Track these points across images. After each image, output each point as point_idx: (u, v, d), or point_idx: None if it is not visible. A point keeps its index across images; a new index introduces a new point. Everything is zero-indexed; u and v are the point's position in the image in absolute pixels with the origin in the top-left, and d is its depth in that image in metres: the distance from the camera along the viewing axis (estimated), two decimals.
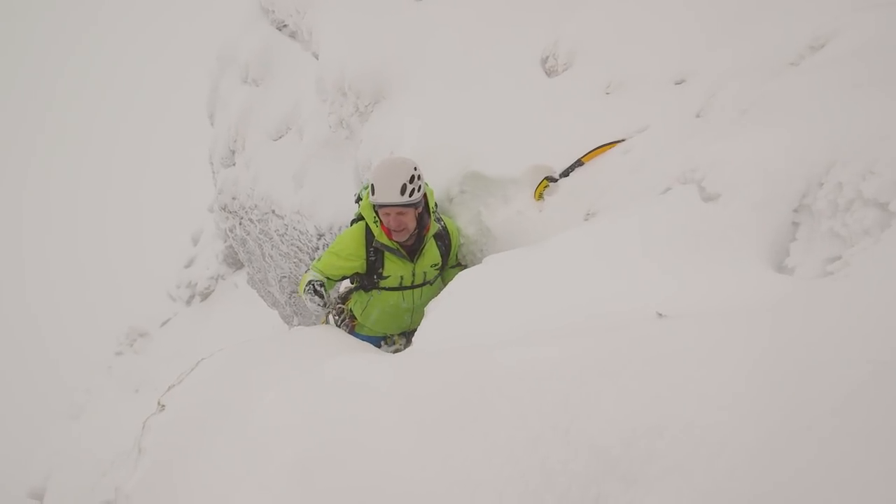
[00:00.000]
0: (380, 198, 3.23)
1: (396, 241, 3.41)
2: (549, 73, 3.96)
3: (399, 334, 3.96)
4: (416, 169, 3.26)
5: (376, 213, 3.40)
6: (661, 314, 1.63)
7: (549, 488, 1.39)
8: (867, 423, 1.12)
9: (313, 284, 3.40)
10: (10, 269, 24.05)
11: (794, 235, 1.94)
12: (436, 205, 3.64)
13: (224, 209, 7.45)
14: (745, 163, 2.13)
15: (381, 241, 3.43)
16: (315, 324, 5.80)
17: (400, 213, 3.28)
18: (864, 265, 1.54)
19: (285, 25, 6.49)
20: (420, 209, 3.38)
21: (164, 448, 2.23)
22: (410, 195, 3.22)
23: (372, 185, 3.25)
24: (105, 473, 10.61)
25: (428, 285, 3.69)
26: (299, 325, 7.82)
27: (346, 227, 3.87)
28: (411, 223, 3.36)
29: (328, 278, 3.54)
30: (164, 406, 2.51)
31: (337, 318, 3.90)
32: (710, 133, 2.60)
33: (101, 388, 15.33)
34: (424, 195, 3.38)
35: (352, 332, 3.91)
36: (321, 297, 3.37)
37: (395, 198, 3.20)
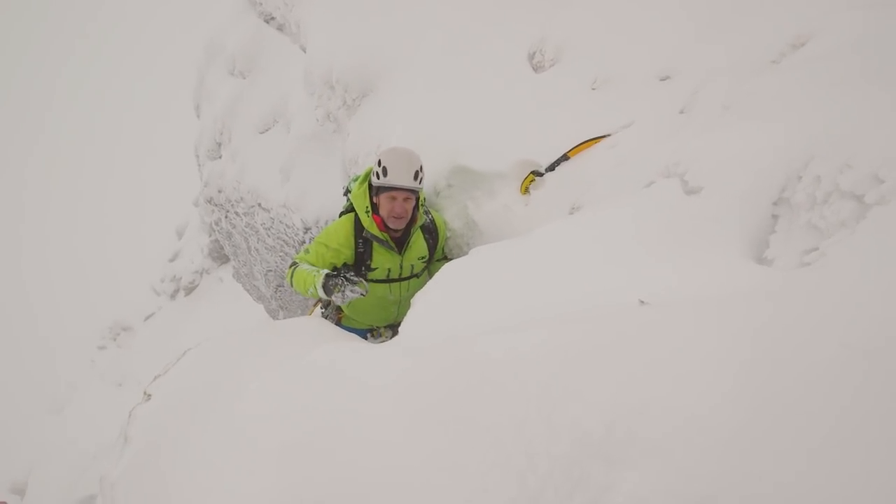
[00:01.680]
0: (394, 180, 3.29)
1: (391, 230, 3.45)
2: (536, 68, 3.99)
3: (385, 326, 3.98)
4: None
5: (371, 201, 3.42)
6: (642, 301, 1.66)
7: (533, 470, 1.42)
8: (841, 404, 1.17)
9: (343, 276, 3.23)
10: None
11: (773, 228, 1.99)
12: (424, 198, 3.67)
13: (210, 202, 7.41)
14: (727, 157, 2.18)
15: (370, 231, 3.45)
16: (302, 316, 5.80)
17: (406, 199, 3.36)
18: (840, 256, 1.58)
19: (273, 18, 6.48)
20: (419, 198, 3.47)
21: (150, 437, 2.24)
22: (421, 182, 3.37)
23: (384, 168, 3.30)
24: (88, 468, 10.54)
25: (415, 278, 3.71)
26: (285, 318, 7.80)
27: (334, 220, 3.88)
28: (411, 211, 3.44)
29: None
30: (150, 395, 2.51)
31: (324, 309, 3.91)
32: (693, 128, 2.65)
33: (83, 383, 15.20)
34: None
35: (338, 323, 3.93)
36: (352, 282, 3.20)
37: (409, 182, 3.30)
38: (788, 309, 1.45)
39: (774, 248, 1.95)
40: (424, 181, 3.78)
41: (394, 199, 3.34)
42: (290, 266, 3.49)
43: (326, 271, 3.31)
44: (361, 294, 3.24)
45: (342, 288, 3.20)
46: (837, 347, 1.23)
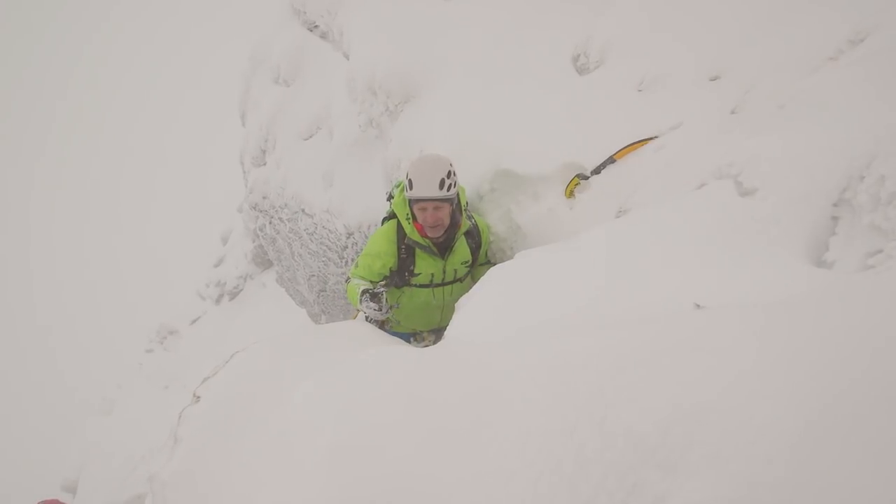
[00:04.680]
0: (419, 192, 3.26)
1: (429, 238, 3.44)
2: (581, 70, 3.95)
3: (429, 331, 3.99)
4: (451, 165, 3.32)
5: (410, 209, 3.43)
6: (698, 305, 1.62)
7: (585, 477, 1.39)
8: None
9: (369, 291, 3.40)
10: (46, 270, 24.64)
11: (833, 230, 1.91)
12: (467, 202, 3.66)
13: (254, 208, 7.54)
14: (783, 157, 2.11)
15: (412, 238, 3.46)
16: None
17: (437, 208, 3.32)
18: None
19: (316, 26, 6.56)
20: (454, 205, 3.41)
21: (200, 437, 2.27)
22: (448, 190, 3.27)
23: (410, 181, 3.29)
24: (136, 468, 10.79)
25: (458, 282, 3.70)
26: (327, 323, 7.87)
27: (376, 225, 3.90)
28: (446, 219, 3.40)
29: (371, 282, 3.60)
30: (199, 397, 2.55)
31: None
32: (746, 128, 2.57)
33: (132, 385, 15.59)
34: (457, 192, 3.40)
35: (382, 327, 3.94)
36: (377, 301, 3.37)
37: (434, 192, 3.25)
38: (853, 311, 1.39)
39: (834, 250, 1.88)
40: (468, 185, 3.78)
41: (424, 209, 3.34)
42: (346, 282, 3.64)
43: (364, 287, 3.43)
44: (376, 310, 3.37)
45: (364, 301, 3.38)
46: None
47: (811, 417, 1.18)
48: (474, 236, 3.67)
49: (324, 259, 6.43)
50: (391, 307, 3.51)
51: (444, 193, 3.26)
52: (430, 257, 3.54)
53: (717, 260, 1.94)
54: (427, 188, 3.25)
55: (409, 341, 3.93)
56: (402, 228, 3.52)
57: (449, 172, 3.28)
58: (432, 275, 3.58)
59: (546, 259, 2.45)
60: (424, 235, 3.46)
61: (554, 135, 3.65)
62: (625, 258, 2.12)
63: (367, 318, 3.94)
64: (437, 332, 3.93)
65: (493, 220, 3.84)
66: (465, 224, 3.54)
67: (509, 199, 3.75)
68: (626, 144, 3.29)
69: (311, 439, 1.90)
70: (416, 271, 3.55)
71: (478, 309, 2.36)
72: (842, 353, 1.26)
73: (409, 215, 3.46)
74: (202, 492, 2.06)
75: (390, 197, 3.85)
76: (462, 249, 3.61)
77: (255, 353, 2.66)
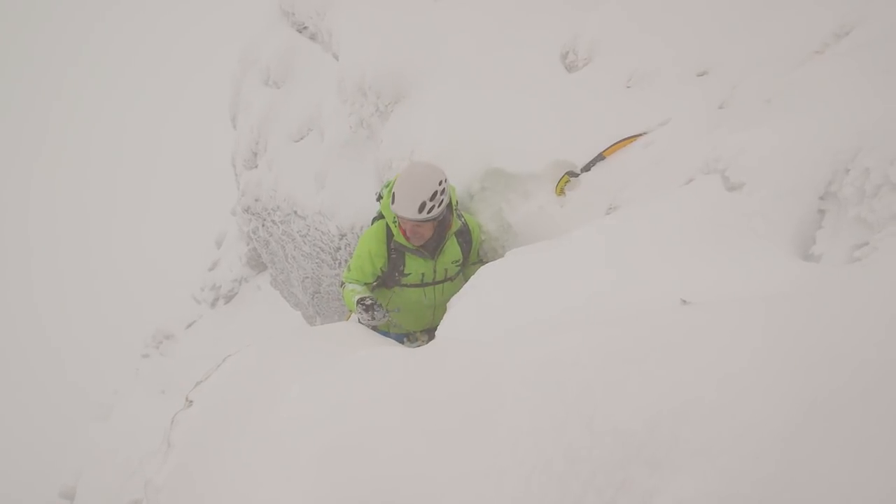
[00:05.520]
0: (398, 209, 3.23)
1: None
2: (570, 68, 3.95)
3: (422, 331, 3.98)
4: (441, 183, 3.22)
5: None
6: (685, 301, 1.62)
7: (575, 475, 1.39)
8: None
9: (363, 302, 3.38)
10: (43, 273, 24.55)
11: (820, 223, 1.92)
12: (457, 202, 3.65)
13: (247, 211, 7.52)
14: (770, 151, 2.11)
15: (399, 241, 3.45)
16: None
17: (417, 226, 3.29)
18: (893, 250, 1.52)
19: (305, 27, 6.55)
20: (438, 220, 3.36)
21: (193, 442, 2.27)
22: (430, 212, 3.20)
23: (394, 194, 3.24)
24: (133, 473, 10.75)
25: (449, 282, 3.70)
26: (322, 324, 7.85)
27: (368, 226, 3.89)
28: (428, 233, 3.38)
29: (365, 284, 3.59)
30: (191, 401, 2.55)
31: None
32: (733, 123, 2.58)
33: (128, 390, 15.54)
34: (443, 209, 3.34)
35: (375, 328, 3.93)
36: (369, 312, 3.35)
37: (413, 214, 3.19)
38: (840, 305, 1.40)
39: (821, 243, 1.89)
40: (458, 184, 3.77)
41: (405, 222, 3.32)
42: (340, 286, 3.64)
43: (359, 296, 3.43)
44: (370, 320, 3.39)
45: (360, 312, 3.38)
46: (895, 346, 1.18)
47: (800, 414, 1.19)
48: (465, 236, 3.66)
49: (317, 261, 6.43)
50: (386, 312, 3.49)
51: (423, 216, 3.19)
52: (420, 258, 3.54)
53: (706, 255, 1.95)
54: (406, 209, 3.19)
55: (402, 342, 3.93)
56: (391, 229, 3.51)
57: (434, 193, 3.18)
58: (423, 274, 3.58)
59: (536, 257, 2.45)
60: (408, 241, 3.45)
61: (544, 133, 3.65)
62: (614, 256, 2.12)
63: (359, 319, 3.94)
64: (431, 332, 3.93)
65: (485, 219, 3.84)
66: (456, 223, 3.53)
67: (500, 197, 3.75)
68: (615, 141, 3.29)
69: (304, 440, 1.90)
70: (405, 271, 3.54)
71: (468, 308, 2.36)
72: (828, 347, 1.27)
73: (396, 218, 3.44)
74: (198, 493, 2.06)
75: (380, 197, 3.85)
76: (452, 249, 3.60)
77: (247, 355, 2.65)
